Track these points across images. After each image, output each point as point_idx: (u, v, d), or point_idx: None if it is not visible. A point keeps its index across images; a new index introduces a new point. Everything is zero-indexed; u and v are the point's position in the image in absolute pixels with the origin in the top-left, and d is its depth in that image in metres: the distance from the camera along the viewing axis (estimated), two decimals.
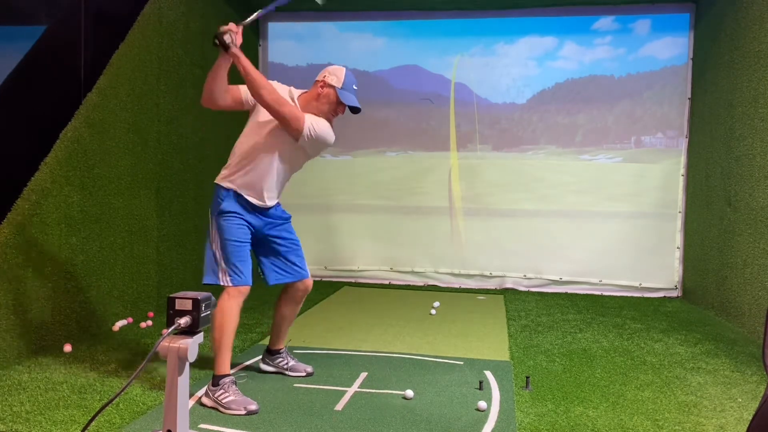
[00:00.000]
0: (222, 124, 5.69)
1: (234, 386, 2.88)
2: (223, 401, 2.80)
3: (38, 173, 3.58)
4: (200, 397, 2.93)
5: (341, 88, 2.96)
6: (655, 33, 6.12)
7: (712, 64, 5.46)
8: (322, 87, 2.97)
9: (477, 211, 6.48)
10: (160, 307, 4.72)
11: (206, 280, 2.97)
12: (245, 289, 2.96)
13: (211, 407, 2.83)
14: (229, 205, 2.95)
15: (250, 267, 3.01)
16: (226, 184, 2.98)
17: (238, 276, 2.92)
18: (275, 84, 2.98)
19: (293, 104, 2.95)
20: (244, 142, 2.99)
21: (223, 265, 2.92)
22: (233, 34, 2.75)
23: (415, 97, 6.56)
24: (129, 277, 4.44)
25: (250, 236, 3.02)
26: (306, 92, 3.05)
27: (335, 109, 3.00)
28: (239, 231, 2.96)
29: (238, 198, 2.97)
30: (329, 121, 3.03)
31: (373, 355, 3.79)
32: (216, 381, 2.87)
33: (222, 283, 2.93)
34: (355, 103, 3.01)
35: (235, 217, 2.96)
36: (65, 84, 4.22)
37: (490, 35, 6.41)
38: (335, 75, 2.98)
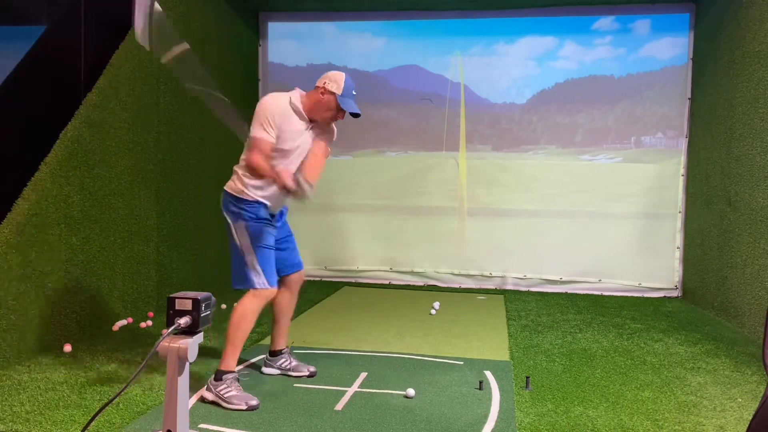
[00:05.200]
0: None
1: (236, 383, 2.92)
2: (225, 395, 2.84)
3: (38, 173, 3.58)
4: (201, 393, 2.95)
5: (341, 95, 3.00)
6: (655, 33, 6.12)
7: (712, 64, 5.46)
8: (322, 94, 3.01)
9: (477, 211, 6.48)
10: (160, 307, 4.72)
11: (236, 285, 3.01)
12: (270, 293, 3.01)
13: (211, 401, 2.86)
14: (260, 211, 3.02)
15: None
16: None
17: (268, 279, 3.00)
18: (275, 95, 3.03)
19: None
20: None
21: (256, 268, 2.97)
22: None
23: (415, 97, 6.56)
24: (129, 277, 4.44)
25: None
26: (308, 94, 3.08)
27: (335, 115, 3.06)
28: (269, 236, 3.03)
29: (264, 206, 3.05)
30: (328, 123, 3.12)
31: (373, 355, 3.79)
32: (219, 375, 2.90)
33: (257, 287, 2.97)
34: (356, 110, 3.06)
35: (264, 223, 3.03)
36: (65, 84, 4.22)
37: (490, 35, 6.41)
38: (335, 82, 3.01)
